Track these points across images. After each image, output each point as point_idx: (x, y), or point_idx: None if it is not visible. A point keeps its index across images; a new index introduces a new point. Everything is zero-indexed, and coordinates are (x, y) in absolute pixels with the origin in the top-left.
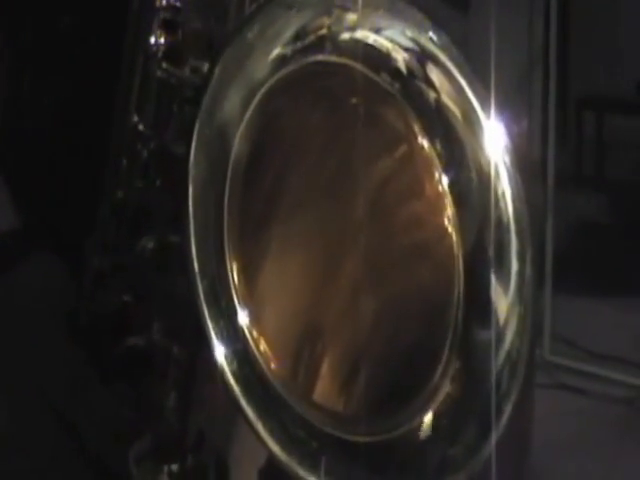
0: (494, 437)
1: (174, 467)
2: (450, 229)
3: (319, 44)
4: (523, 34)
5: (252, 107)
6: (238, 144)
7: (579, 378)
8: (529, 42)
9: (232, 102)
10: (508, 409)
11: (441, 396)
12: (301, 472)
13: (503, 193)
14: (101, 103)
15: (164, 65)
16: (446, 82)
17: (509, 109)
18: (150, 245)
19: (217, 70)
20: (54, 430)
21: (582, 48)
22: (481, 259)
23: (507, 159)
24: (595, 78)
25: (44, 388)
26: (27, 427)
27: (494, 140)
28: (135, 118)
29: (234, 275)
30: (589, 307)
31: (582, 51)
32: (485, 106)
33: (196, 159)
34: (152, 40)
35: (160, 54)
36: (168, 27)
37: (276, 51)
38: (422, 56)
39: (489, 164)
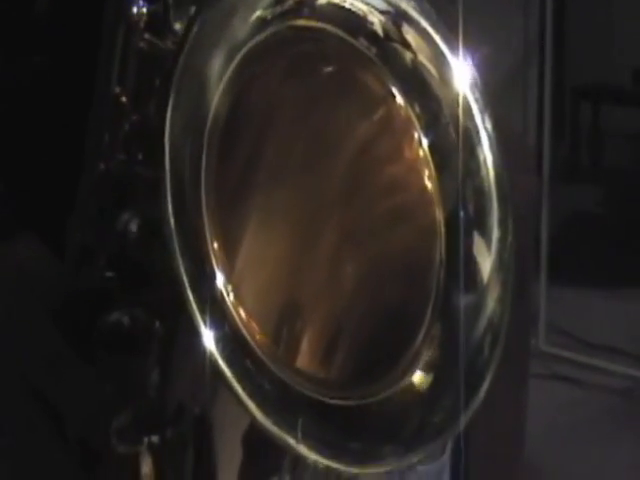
0: (476, 402)
1: (154, 438)
2: (431, 191)
3: (298, 8)
4: (519, 23)
5: (230, 70)
6: (215, 109)
7: (574, 368)
8: (525, 32)
9: (210, 64)
10: (489, 376)
11: (422, 361)
12: (278, 432)
13: (485, 160)
14: (82, 75)
15: (146, 36)
16: (422, 41)
17: (504, 98)
18: (132, 219)
19: (195, 29)
20: (33, 407)
21: (578, 37)
22: (463, 221)
23: (489, 126)
24: (591, 67)
25: (24, 365)
26: (5, 404)
27: (462, 77)
28: (117, 90)
29: (214, 247)
30: (584, 298)
31: (578, 40)
32: (455, 53)
33: (173, 122)
34: (134, 10)
35: (142, 25)
36: None
37: (257, 14)
38: (397, 17)
39: (466, 120)
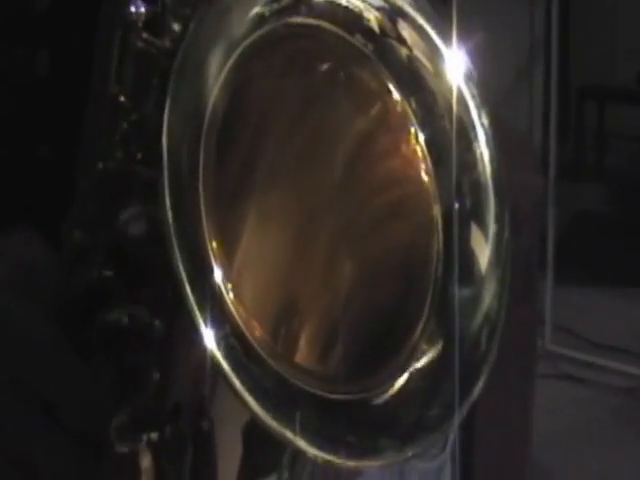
0: (474, 395)
1: (153, 436)
2: (428, 185)
3: (295, 6)
4: (524, 24)
5: (227, 67)
6: (212, 106)
7: (580, 368)
8: (530, 32)
9: (208, 61)
10: (486, 371)
11: (420, 355)
12: (276, 426)
13: (481, 154)
14: (80, 74)
15: (144, 35)
16: (417, 36)
17: (510, 98)
18: (131, 218)
19: (193, 26)
20: (31, 403)
21: (583, 38)
22: (460, 216)
23: (485, 121)
24: (596, 68)
25: (21, 363)
26: (3, 400)
27: (455, 70)
28: (115, 89)
29: (213, 245)
30: (590, 297)
31: (583, 41)
32: (449, 46)
33: (171, 120)
34: (132, 9)
35: (140, 24)
36: None
37: (255, 10)
38: (393, 13)
39: (460, 114)
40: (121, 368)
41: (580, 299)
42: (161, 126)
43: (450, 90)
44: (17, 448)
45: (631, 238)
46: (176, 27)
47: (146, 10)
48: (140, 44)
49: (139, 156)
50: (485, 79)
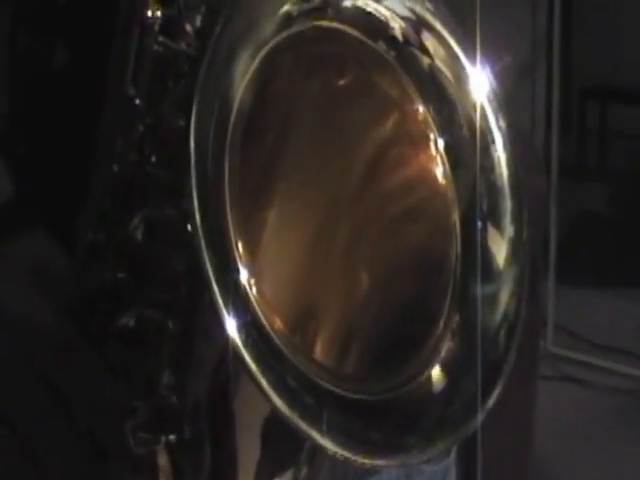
0: (495, 395)
1: (172, 438)
2: (446, 189)
3: (323, 7)
4: (527, 23)
5: (254, 66)
6: (238, 106)
7: (582, 369)
8: (532, 31)
9: (235, 61)
10: (506, 370)
11: (441, 354)
12: (303, 426)
13: (499, 158)
14: (97, 77)
15: (160, 39)
16: (440, 48)
17: (513, 98)
18: (144, 220)
19: (220, 27)
20: (46, 401)
21: (586, 37)
22: (478, 217)
23: (503, 124)
24: (599, 68)
25: (35, 363)
26: (17, 401)
27: (479, 86)
28: (131, 92)
29: (238, 243)
30: (592, 298)
31: (586, 40)
32: (472, 61)
33: (197, 120)
34: (149, 13)
35: (157, 27)
36: (165, 0)
37: (284, 8)
38: (418, 24)
39: (481, 121)
40: (135, 369)
41: (582, 301)
42: (181, 128)
43: (471, 100)
44: (28, 446)
45: (633, 239)
46: (190, 29)
47: (162, 13)
48: (156, 47)
49: (154, 159)
50: (499, 81)
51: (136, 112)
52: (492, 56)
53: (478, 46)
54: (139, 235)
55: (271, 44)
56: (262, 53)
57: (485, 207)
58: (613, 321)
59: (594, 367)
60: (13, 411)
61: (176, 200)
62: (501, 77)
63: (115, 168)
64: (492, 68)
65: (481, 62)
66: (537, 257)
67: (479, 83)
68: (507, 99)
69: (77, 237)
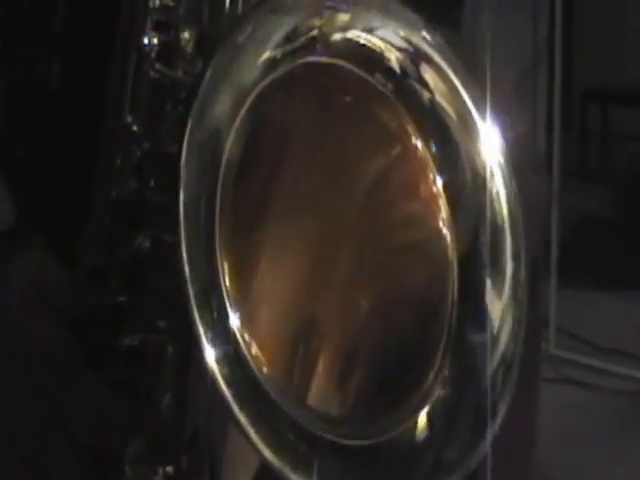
0: (488, 438)
1: (169, 469)
2: (445, 230)
3: (310, 45)
4: (528, 26)
5: (243, 110)
6: (230, 146)
7: (584, 371)
8: (534, 34)
9: (223, 105)
10: (502, 410)
11: (434, 398)
12: (294, 477)
13: (498, 194)
14: (95, 103)
15: (157, 66)
16: (440, 82)
17: (513, 102)
18: (145, 243)
19: (208, 73)
20: (48, 421)
21: (587, 40)
22: (476, 260)
23: (502, 160)
24: (600, 70)
25: (38, 380)
26: (20, 417)
27: (489, 142)
28: (129, 118)
29: (226, 278)
30: (594, 300)
31: (587, 43)
32: (480, 107)
33: (188, 162)
34: (145, 41)
35: (153, 55)
36: (161, 28)
37: (266, 54)
38: (415, 56)
39: (484, 165)
40: (134, 393)
41: (584, 303)
42: (174, 156)
43: (475, 148)
44: (32, 463)
45: (635, 241)
46: (188, 60)
47: (159, 41)
48: (153, 74)
49: (152, 183)
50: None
51: (134, 138)
52: (502, 112)
53: (488, 103)
54: (138, 258)
55: (259, 88)
56: (250, 98)
57: (484, 247)
58: (615, 323)
59: (596, 369)
60: (14, 425)
61: (174, 226)
62: (509, 144)
63: (114, 194)
64: (502, 127)
65: (492, 119)
66: (538, 260)
67: (490, 141)
68: (509, 101)
69: (79, 258)
